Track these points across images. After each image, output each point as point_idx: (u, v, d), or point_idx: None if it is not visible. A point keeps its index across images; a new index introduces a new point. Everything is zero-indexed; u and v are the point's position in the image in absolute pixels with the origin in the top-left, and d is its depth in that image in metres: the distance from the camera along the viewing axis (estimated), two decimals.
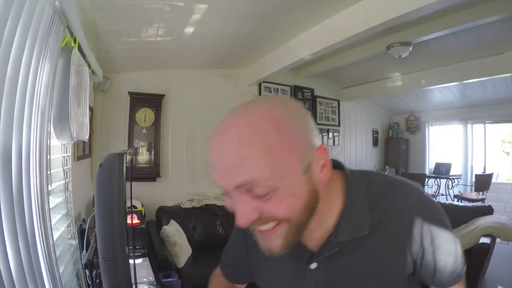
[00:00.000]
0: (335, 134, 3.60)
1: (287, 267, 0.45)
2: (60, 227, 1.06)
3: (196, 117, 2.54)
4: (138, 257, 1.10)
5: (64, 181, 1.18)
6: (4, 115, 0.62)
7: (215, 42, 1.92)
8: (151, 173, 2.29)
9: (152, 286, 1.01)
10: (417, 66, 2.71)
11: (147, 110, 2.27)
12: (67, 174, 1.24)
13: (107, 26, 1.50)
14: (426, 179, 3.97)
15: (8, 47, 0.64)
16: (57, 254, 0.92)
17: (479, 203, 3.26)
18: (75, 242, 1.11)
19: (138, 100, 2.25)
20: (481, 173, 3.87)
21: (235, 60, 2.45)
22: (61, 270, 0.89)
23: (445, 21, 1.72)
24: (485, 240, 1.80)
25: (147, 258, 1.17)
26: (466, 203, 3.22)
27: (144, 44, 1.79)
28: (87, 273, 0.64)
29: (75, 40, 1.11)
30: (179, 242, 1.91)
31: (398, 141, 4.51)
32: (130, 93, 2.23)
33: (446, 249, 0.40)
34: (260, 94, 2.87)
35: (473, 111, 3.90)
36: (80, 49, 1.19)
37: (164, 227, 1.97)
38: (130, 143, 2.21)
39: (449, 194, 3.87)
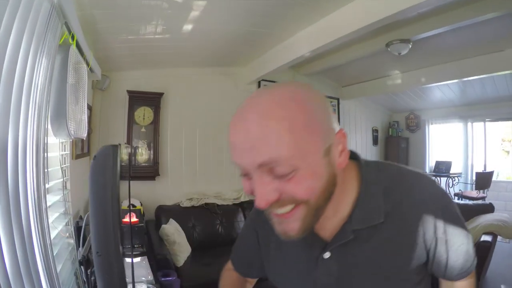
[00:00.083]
0: None
1: (300, 257, 0.44)
2: (58, 226, 1.05)
3: (195, 115, 2.53)
4: (136, 256, 1.09)
5: (62, 179, 1.17)
6: (0, 111, 0.61)
7: (214, 39, 1.91)
8: (150, 172, 2.28)
9: (151, 285, 1.00)
10: (416, 64, 2.70)
11: (146, 108, 2.27)
12: (65, 172, 1.23)
13: (105, 23, 1.49)
14: None
15: (4, 42, 0.63)
16: (55, 252, 0.91)
17: (479, 201, 3.26)
18: (73, 240, 1.11)
19: (137, 98, 2.25)
20: (481, 171, 3.86)
21: (234, 58, 2.44)
22: (58, 269, 0.89)
23: (444, 18, 1.71)
24: (486, 238, 1.79)
25: (146, 257, 1.16)
26: (467, 201, 3.22)
27: (143, 42, 1.78)
28: (83, 270, 0.64)
29: (73, 37, 1.10)
30: (178, 241, 1.90)
31: (398, 139, 4.50)
32: (129, 92, 2.22)
33: (458, 239, 0.40)
34: None
35: (473, 109, 3.90)
36: (78, 46, 1.19)
37: (163, 226, 1.97)
38: (129, 142, 2.20)
39: (450, 193, 3.87)
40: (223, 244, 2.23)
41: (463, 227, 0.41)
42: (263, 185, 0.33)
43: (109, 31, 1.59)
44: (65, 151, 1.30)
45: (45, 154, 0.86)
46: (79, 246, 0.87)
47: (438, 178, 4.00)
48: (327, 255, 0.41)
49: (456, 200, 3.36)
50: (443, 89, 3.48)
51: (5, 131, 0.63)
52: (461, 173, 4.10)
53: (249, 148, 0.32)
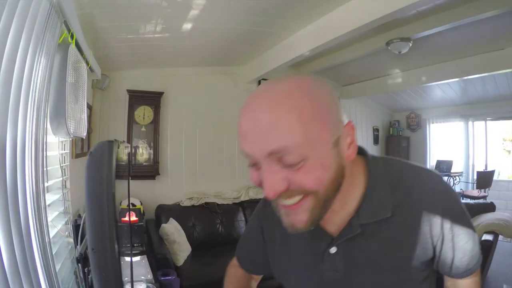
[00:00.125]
0: None
1: (305, 252, 0.44)
2: (58, 225, 1.05)
3: (195, 115, 2.53)
4: (136, 255, 1.09)
5: (61, 178, 1.17)
6: None
7: (213, 39, 1.91)
8: (150, 171, 2.29)
9: (150, 284, 1.00)
10: (417, 63, 2.69)
11: (146, 108, 2.27)
12: (65, 171, 1.23)
13: (105, 22, 1.49)
14: None
15: (3, 40, 0.63)
16: (54, 251, 0.91)
17: (480, 201, 3.24)
18: (72, 239, 1.11)
19: (137, 98, 2.25)
20: (482, 170, 3.85)
21: (234, 58, 2.44)
22: (58, 267, 0.89)
23: (444, 16, 1.70)
24: (487, 237, 1.78)
25: (145, 256, 1.16)
26: (468, 201, 3.21)
27: (143, 41, 1.78)
28: (80, 268, 0.64)
29: (72, 36, 1.10)
30: (178, 240, 1.90)
31: (399, 139, 4.49)
32: (129, 91, 2.22)
33: (464, 237, 0.40)
34: None
35: (474, 108, 3.88)
36: (77, 45, 1.19)
37: (163, 225, 1.97)
38: (129, 141, 2.20)
39: None
40: (223, 244, 2.23)
41: (470, 224, 0.41)
42: (272, 174, 0.33)
43: (109, 30, 1.59)
44: (65, 150, 1.30)
45: (44, 152, 0.86)
46: (77, 244, 0.87)
47: None
48: (333, 250, 0.41)
49: None
50: (444, 88, 3.47)
51: (3, 129, 0.63)
52: (462, 172, 4.09)
53: (260, 136, 0.32)
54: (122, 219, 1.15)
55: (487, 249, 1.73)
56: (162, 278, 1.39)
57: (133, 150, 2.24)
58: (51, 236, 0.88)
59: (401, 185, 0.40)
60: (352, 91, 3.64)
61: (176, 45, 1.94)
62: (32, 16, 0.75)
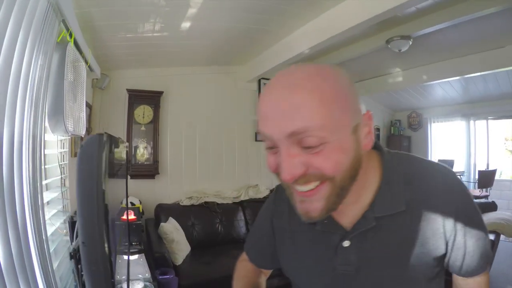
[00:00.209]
0: None
1: (317, 246, 0.44)
2: (56, 223, 1.06)
3: (195, 114, 2.53)
4: (134, 253, 1.09)
5: (60, 177, 1.17)
6: None
7: (213, 37, 1.91)
8: (150, 170, 2.29)
9: (148, 283, 1.00)
10: (418, 61, 2.68)
11: (146, 107, 2.27)
12: (64, 169, 1.24)
13: (103, 21, 1.49)
14: None
15: (0, 39, 0.63)
16: (52, 249, 0.92)
17: (482, 200, 3.22)
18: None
19: (137, 97, 2.25)
20: (484, 169, 3.83)
21: (234, 57, 2.44)
22: (55, 265, 0.89)
23: (444, 14, 1.69)
24: (489, 237, 1.77)
25: (143, 254, 1.16)
26: None
27: (142, 40, 1.79)
28: (74, 264, 0.63)
29: (70, 35, 1.10)
30: (177, 239, 1.90)
31: (400, 138, 4.47)
32: (129, 90, 2.23)
33: (476, 233, 0.40)
34: (259, 90, 2.86)
35: (475, 107, 3.86)
36: (76, 44, 1.19)
37: (162, 224, 1.97)
38: (129, 141, 2.20)
39: None
40: (222, 243, 2.23)
41: (482, 222, 0.41)
42: (291, 157, 0.33)
43: (108, 29, 1.59)
44: (64, 148, 1.31)
45: (43, 150, 0.86)
46: (73, 241, 0.87)
47: None
48: (346, 243, 0.41)
49: None
50: (445, 87, 3.45)
51: (0, 127, 0.63)
52: (463, 171, 4.07)
53: (281, 116, 0.32)
54: (121, 217, 1.15)
55: None
56: (160, 277, 1.39)
57: (132, 150, 2.25)
58: (48, 234, 0.88)
59: (415, 180, 0.40)
60: None
61: (175, 44, 1.94)
62: (29, 14, 0.75)
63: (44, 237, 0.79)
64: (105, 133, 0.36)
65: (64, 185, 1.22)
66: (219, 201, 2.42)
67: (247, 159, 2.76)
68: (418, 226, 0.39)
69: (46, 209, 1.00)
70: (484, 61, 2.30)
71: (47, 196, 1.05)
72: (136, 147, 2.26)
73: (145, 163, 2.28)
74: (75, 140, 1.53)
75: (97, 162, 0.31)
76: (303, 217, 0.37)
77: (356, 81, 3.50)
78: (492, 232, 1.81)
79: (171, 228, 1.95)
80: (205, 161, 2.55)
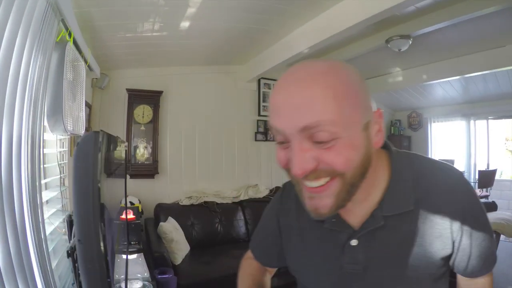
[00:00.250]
0: None
1: (324, 245, 0.44)
2: (55, 222, 1.06)
3: (194, 113, 2.53)
4: (132, 252, 1.09)
5: (59, 176, 1.18)
6: None
7: (212, 37, 1.91)
8: (150, 170, 2.29)
9: (147, 282, 1.00)
10: (417, 61, 2.68)
11: (145, 107, 2.27)
12: (63, 169, 1.24)
13: (102, 21, 1.49)
14: None
15: None
16: (51, 248, 0.92)
17: (482, 200, 3.22)
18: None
19: (136, 97, 2.25)
20: (484, 169, 3.82)
21: (233, 56, 2.44)
22: (54, 264, 0.89)
23: (444, 13, 1.69)
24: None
25: (142, 254, 1.16)
26: None
27: (141, 39, 1.79)
28: (71, 262, 0.63)
29: (70, 34, 1.11)
30: (176, 239, 1.90)
31: (400, 138, 4.47)
32: (128, 90, 2.23)
33: (482, 234, 0.40)
34: (259, 90, 2.86)
35: (475, 107, 3.86)
36: (76, 44, 1.19)
37: (161, 223, 1.97)
38: (129, 140, 2.21)
39: None
40: (222, 243, 2.23)
41: (488, 223, 0.41)
42: (302, 152, 0.33)
43: (107, 29, 1.60)
44: (63, 148, 1.31)
45: (41, 150, 0.86)
46: (71, 239, 0.87)
47: None
48: (354, 242, 0.41)
49: None
50: (445, 87, 3.44)
51: None
52: (463, 171, 4.06)
53: (294, 110, 0.32)
54: (120, 217, 1.15)
55: None
56: (159, 276, 1.39)
57: (132, 149, 2.25)
58: (48, 232, 0.88)
59: (423, 179, 0.40)
60: None
61: (174, 44, 1.94)
62: (28, 13, 0.75)
63: (42, 236, 0.79)
64: (101, 130, 0.36)
65: (63, 184, 1.23)
66: (219, 200, 2.42)
67: (246, 158, 2.76)
68: (426, 226, 0.39)
69: (45, 208, 1.00)
70: (484, 61, 2.29)
71: (47, 195, 1.05)
72: (136, 147, 2.27)
73: (145, 162, 2.28)
74: (74, 140, 1.54)
75: (93, 160, 0.31)
76: (312, 213, 0.37)
77: None
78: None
79: (171, 228, 1.95)
80: (205, 160, 2.55)
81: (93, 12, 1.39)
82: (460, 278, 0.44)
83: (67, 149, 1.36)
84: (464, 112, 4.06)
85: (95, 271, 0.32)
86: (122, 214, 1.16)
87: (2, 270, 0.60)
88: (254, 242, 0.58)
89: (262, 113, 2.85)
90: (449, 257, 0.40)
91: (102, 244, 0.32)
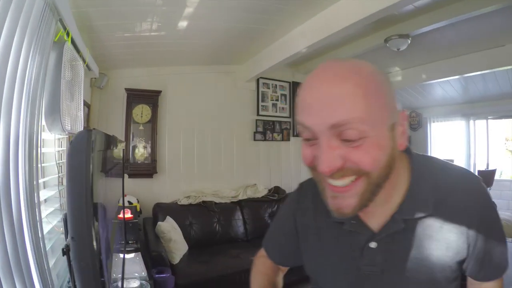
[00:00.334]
0: None
1: (342, 246, 0.44)
2: (53, 221, 1.06)
3: (193, 113, 2.54)
4: (130, 252, 1.09)
5: (57, 175, 1.18)
6: None
7: (210, 37, 1.91)
8: (148, 169, 2.29)
9: (144, 281, 1.00)
10: (416, 60, 2.67)
11: (144, 106, 2.28)
12: (61, 168, 1.24)
13: (100, 20, 1.50)
14: None
15: None
16: (49, 247, 0.92)
17: None
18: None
19: (135, 96, 2.26)
20: (483, 169, 3.82)
21: (232, 56, 2.44)
22: (52, 263, 0.89)
23: (443, 12, 1.69)
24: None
25: (140, 253, 1.16)
26: None
27: (139, 39, 1.79)
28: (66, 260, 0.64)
29: (68, 34, 1.11)
30: (174, 238, 1.90)
31: None
32: (127, 90, 2.23)
33: (497, 239, 0.41)
34: (258, 90, 2.86)
35: (475, 107, 3.85)
36: (74, 43, 1.19)
37: (159, 223, 1.97)
38: (127, 140, 2.21)
39: None
40: (220, 242, 2.23)
41: (502, 228, 0.41)
42: (330, 150, 0.33)
43: (105, 29, 1.60)
44: (61, 147, 1.31)
45: (39, 149, 0.87)
46: (67, 238, 0.87)
47: None
48: (373, 244, 0.41)
49: None
50: (445, 86, 3.44)
51: None
52: None
53: (325, 107, 0.32)
54: (118, 216, 1.16)
55: None
56: (157, 275, 1.39)
57: (131, 149, 2.25)
58: (45, 231, 0.89)
59: (442, 183, 0.40)
60: None
61: (172, 43, 1.95)
62: (26, 13, 0.75)
63: (40, 235, 0.79)
64: (94, 129, 0.36)
65: (62, 184, 1.23)
66: (217, 200, 2.43)
67: (245, 158, 2.76)
68: (444, 230, 0.39)
69: (43, 207, 1.01)
70: (484, 60, 2.29)
71: (45, 194, 1.05)
72: (135, 146, 2.27)
73: (144, 162, 2.28)
74: None
75: (86, 158, 0.32)
76: (335, 213, 0.36)
77: None
78: None
79: (169, 227, 1.95)
80: (203, 160, 2.56)
81: (91, 12, 1.39)
82: (471, 282, 0.44)
83: (65, 148, 1.36)
84: (464, 112, 4.06)
85: (88, 269, 0.32)
86: (120, 213, 1.16)
87: None
88: (268, 241, 0.57)
89: (261, 112, 2.85)
90: (463, 261, 0.41)
91: (95, 242, 0.32)
